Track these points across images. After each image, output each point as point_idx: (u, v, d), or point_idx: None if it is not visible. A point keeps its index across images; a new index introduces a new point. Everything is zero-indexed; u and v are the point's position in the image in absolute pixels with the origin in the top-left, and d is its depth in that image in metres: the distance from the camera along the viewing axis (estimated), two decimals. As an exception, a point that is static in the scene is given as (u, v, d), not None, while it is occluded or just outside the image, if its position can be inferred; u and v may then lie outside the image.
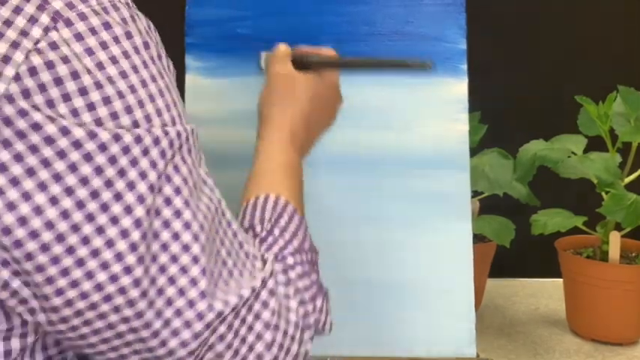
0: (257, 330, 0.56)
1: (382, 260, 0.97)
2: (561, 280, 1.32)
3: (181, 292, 0.50)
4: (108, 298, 0.48)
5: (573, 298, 1.29)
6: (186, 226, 0.51)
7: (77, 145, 0.46)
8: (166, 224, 0.50)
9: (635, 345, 1.26)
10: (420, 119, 0.98)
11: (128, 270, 0.48)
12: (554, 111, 1.47)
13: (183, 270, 0.50)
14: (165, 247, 0.50)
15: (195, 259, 0.51)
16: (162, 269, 0.50)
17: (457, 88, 0.98)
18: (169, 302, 0.50)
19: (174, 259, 0.50)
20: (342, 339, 0.96)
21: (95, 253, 0.47)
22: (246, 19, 0.97)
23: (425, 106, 0.98)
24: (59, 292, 0.47)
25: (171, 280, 0.50)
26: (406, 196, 0.97)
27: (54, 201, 0.46)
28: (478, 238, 1.29)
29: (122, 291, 0.48)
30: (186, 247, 0.51)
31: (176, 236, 0.50)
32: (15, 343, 0.50)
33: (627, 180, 1.28)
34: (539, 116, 1.56)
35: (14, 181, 0.45)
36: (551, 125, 1.40)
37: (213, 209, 0.54)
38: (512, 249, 1.31)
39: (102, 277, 0.47)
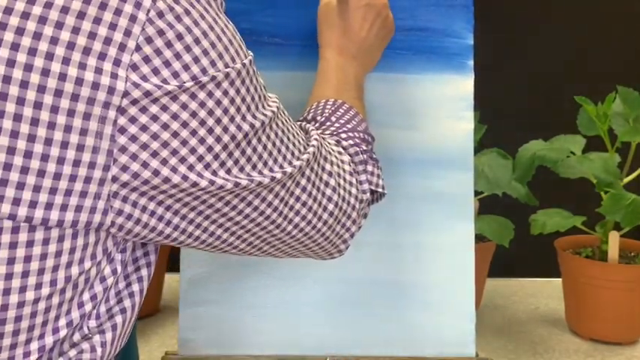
0: (324, 178, 0.71)
1: (383, 260, 0.97)
2: (560, 279, 1.32)
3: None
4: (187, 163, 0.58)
5: (572, 298, 1.29)
6: (254, 120, 0.61)
7: (192, 95, 0.56)
8: (244, 119, 0.60)
9: (634, 345, 1.26)
10: (423, 117, 0.97)
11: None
12: (554, 111, 1.48)
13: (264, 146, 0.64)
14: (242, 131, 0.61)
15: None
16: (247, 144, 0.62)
17: (463, 85, 0.97)
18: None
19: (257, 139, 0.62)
20: (342, 339, 0.96)
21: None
22: (250, 12, 0.96)
23: (429, 104, 0.96)
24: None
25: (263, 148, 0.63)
26: (408, 195, 0.97)
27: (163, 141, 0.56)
28: (477, 238, 1.29)
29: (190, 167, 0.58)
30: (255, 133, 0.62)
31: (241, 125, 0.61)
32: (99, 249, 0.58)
33: (626, 180, 1.28)
34: (539, 116, 1.56)
35: (143, 128, 0.55)
36: (550, 125, 1.40)
37: (275, 107, 0.65)
38: (511, 249, 1.32)
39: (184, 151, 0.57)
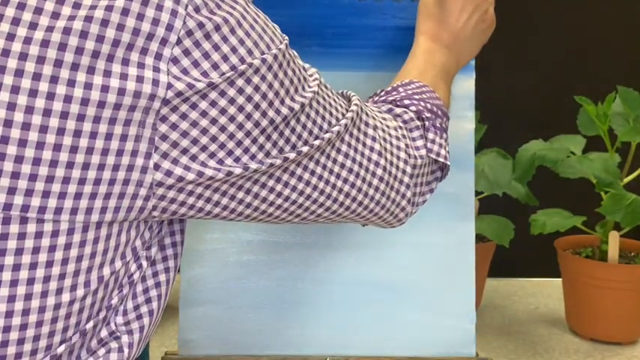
0: (368, 143, 0.70)
1: (383, 260, 0.97)
2: (560, 279, 1.32)
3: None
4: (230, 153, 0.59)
5: (572, 298, 1.29)
6: (293, 103, 0.62)
7: (231, 83, 0.57)
8: (283, 103, 0.61)
9: (634, 344, 1.26)
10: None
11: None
12: (554, 111, 1.48)
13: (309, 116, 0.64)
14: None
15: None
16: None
17: (464, 84, 0.97)
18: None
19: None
20: (342, 339, 0.96)
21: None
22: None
23: None
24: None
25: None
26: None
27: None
28: (477, 238, 1.29)
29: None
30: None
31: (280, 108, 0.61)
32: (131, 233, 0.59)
33: (626, 180, 1.28)
34: (539, 116, 1.56)
35: (183, 116, 0.56)
36: (550, 125, 1.41)
37: (316, 86, 0.65)
38: (511, 249, 1.32)
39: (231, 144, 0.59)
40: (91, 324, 0.58)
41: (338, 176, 0.68)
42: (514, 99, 1.57)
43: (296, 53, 0.65)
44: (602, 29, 1.57)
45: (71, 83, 0.52)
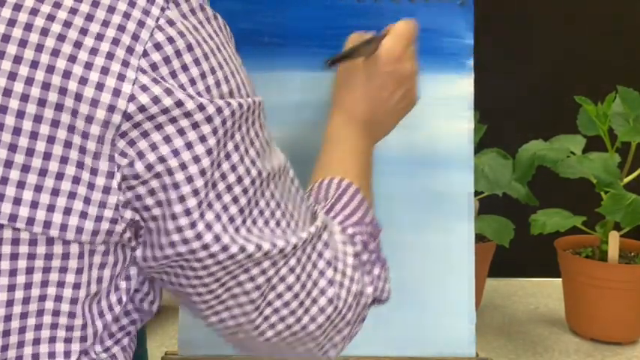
0: (319, 266, 0.63)
1: (383, 260, 0.97)
2: (560, 279, 1.32)
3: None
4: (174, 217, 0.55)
5: (572, 298, 1.29)
6: (252, 166, 0.58)
7: (197, 111, 0.54)
8: (228, 188, 0.57)
9: (634, 344, 1.26)
10: (423, 117, 0.95)
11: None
12: (554, 111, 1.48)
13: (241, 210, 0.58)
14: (228, 188, 0.57)
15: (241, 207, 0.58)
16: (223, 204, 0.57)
17: (463, 84, 0.96)
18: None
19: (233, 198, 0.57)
20: (342, 339, 0.96)
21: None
22: (250, 13, 0.96)
23: (429, 104, 0.94)
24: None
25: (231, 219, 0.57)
26: (408, 195, 0.97)
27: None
28: (477, 238, 1.29)
29: (187, 212, 0.55)
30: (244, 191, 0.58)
31: (231, 187, 0.57)
32: (107, 273, 0.56)
33: (626, 180, 1.28)
34: (539, 116, 1.56)
35: (145, 134, 0.53)
36: (550, 125, 1.40)
37: (277, 167, 0.60)
38: (511, 249, 1.32)
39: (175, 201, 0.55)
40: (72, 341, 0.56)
41: (273, 288, 0.61)
42: (514, 99, 1.57)
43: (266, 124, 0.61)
44: (602, 29, 1.57)
45: (29, 82, 0.51)
